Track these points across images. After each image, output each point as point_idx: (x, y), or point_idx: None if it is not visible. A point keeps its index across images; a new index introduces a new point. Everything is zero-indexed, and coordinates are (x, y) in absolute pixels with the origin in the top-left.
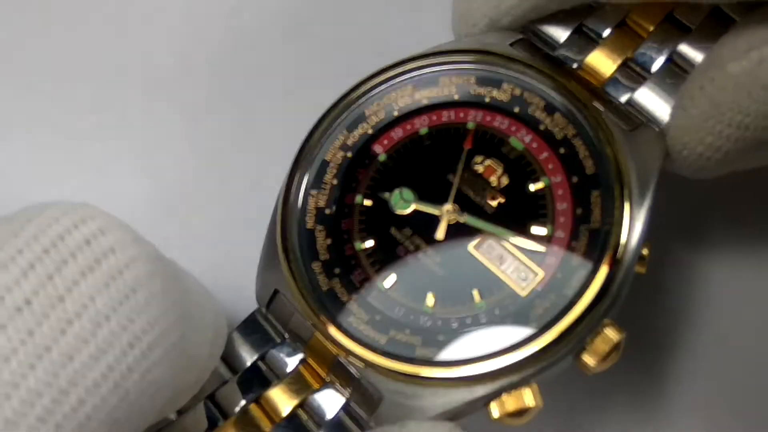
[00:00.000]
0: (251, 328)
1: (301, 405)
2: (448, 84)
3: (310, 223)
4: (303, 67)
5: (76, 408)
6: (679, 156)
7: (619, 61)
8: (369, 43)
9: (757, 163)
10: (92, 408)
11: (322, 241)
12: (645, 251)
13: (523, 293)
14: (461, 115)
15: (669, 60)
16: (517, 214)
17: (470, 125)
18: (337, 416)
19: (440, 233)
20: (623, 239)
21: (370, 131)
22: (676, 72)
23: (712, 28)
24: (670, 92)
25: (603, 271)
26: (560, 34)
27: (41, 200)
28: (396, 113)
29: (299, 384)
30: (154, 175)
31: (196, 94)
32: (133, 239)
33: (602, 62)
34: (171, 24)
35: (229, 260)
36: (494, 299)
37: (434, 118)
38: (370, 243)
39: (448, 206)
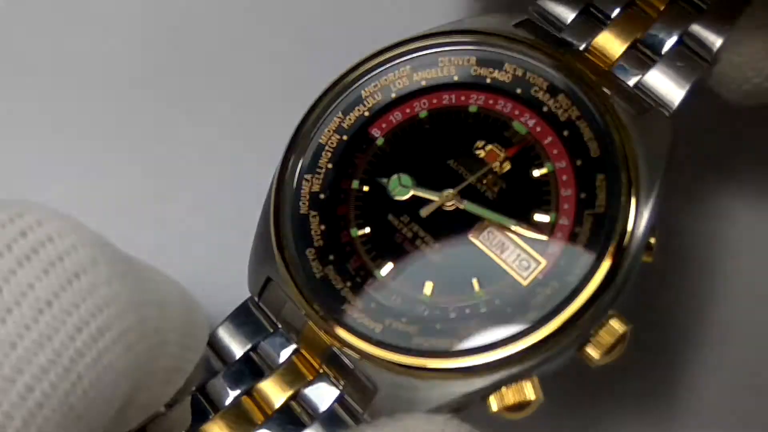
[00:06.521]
0: (243, 318)
1: (294, 397)
2: (448, 65)
3: (304, 208)
4: (299, 60)
5: (24, 395)
6: (738, 89)
7: (628, 43)
8: (368, 29)
9: None
10: (42, 395)
11: (316, 227)
12: (652, 240)
13: (525, 282)
14: (462, 98)
15: (680, 42)
16: (519, 201)
17: (473, 108)
18: (330, 408)
19: (425, 212)
20: (630, 226)
21: (366, 114)
22: (687, 54)
23: (726, 8)
24: (682, 75)
25: (608, 260)
26: (567, 14)
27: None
28: (394, 95)
29: (292, 375)
30: (147, 173)
31: (190, 90)
32: (73, 228)
33: (611, 44)
34: (168, 21)
35: (223, 256)
36: (494, 288)
37: (434, 100)
38: (366, 230)
39: (447, 192)
